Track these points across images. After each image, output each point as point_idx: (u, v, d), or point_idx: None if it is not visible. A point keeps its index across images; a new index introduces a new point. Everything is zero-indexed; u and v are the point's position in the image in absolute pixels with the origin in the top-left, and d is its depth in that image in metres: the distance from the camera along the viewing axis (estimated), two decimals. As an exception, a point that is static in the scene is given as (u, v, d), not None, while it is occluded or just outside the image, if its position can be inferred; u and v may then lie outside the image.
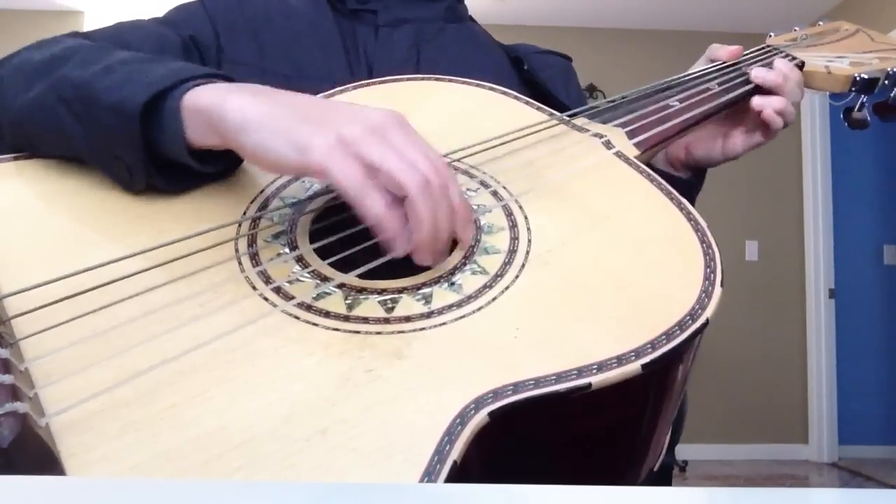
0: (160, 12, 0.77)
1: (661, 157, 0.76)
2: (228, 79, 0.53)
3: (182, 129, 0.50)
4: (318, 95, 0.61)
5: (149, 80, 0.51)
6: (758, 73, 0.73)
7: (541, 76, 0.79)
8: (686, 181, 0.76)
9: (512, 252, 0.50)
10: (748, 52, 0.79)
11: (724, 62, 0.76)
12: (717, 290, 0.46)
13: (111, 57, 0.56)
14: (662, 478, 0.56)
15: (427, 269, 0.49)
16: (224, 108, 0.48)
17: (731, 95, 0.72)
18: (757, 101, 0.73)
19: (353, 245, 0.50)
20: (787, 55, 0.78)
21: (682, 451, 4.03)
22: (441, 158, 0.48)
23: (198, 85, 0.51)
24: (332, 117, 0.47)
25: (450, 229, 0.47)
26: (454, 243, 0.50)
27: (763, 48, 0.80)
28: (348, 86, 0.65)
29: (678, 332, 0.43)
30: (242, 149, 0.49)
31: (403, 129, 0.47)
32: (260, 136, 0.47)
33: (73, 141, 0.54)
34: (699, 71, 0.75)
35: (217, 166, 0.54)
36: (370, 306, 0.46)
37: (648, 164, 0.74)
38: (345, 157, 0.45)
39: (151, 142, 0.51)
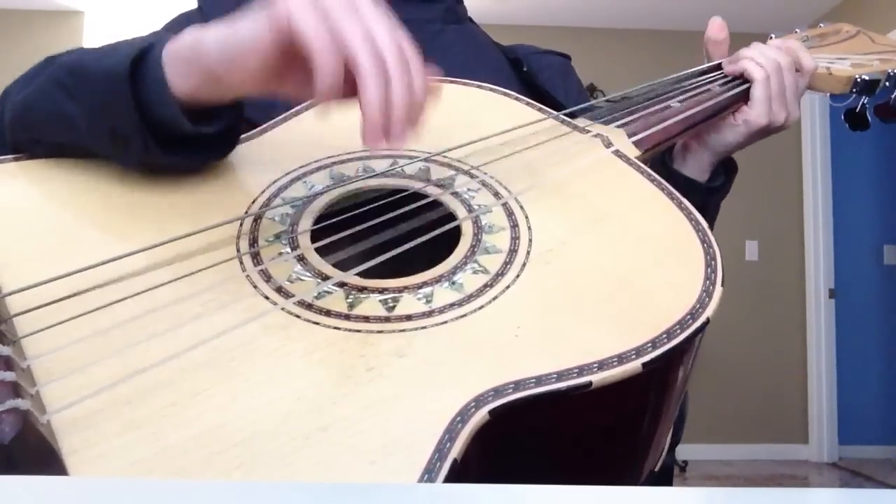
0: (159, 12, 0.77)
1: (680, 154, 0.76)
2: None
3: (165, 79, 0.51)
4: None
5: (135, 44, 0.52)
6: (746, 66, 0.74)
7: (540, 77, 0.79)
8: (707, 187, 0.76)
9: (513, 251, 0.50)
10: None
11: (707, 66, 0.77)
12: (718, 289, 0.46)
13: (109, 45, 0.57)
14: (663, 478, 0.56)
15: (428, 268, 0.49)
16: (200, 39, 0.50)
17: (731, 94, 0.72)
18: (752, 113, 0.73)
19: (354, 244, 0.50)
20: None
21: (682, 451, 4.04)
22: (405, 38, 0.47)
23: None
24: None
25: (403, 112, 0.46)
26: (454, 244, 0.51)
27: None
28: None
29: (679, 330, 0.43)
30: (220, 64, 0.49)
31: (375, 4, 0.47)
32: (232, 36, 0.48)
33: (72, 121, 0.54)
34: (700, 70, 0.75)
35: (210, 126, 0.53)
36: (371, 305, 0.46)
37: (666, 166, 0.74)
38: (311, 9, 0.45)
39: (142, 102, 0.51)
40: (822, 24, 0.90)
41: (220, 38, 0.49)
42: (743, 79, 0.74)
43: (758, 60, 0.73)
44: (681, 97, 0.70)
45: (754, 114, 0.72)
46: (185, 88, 0.51)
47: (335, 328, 0.44)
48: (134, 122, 0.51)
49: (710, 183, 0.76)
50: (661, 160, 0.75)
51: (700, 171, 0.76)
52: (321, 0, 0.46)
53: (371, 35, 0.46)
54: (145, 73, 0.51)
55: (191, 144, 0.53)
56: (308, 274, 0.48)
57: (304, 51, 0.45)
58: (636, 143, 0.63)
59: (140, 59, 0.51)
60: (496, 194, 0.55)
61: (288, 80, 0.49)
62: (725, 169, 0.78)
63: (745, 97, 0.73)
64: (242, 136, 0.59)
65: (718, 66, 0.76)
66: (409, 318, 0.45)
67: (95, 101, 0.52)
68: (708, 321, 0.44)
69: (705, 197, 0.75)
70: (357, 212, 0.54)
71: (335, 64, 0.45)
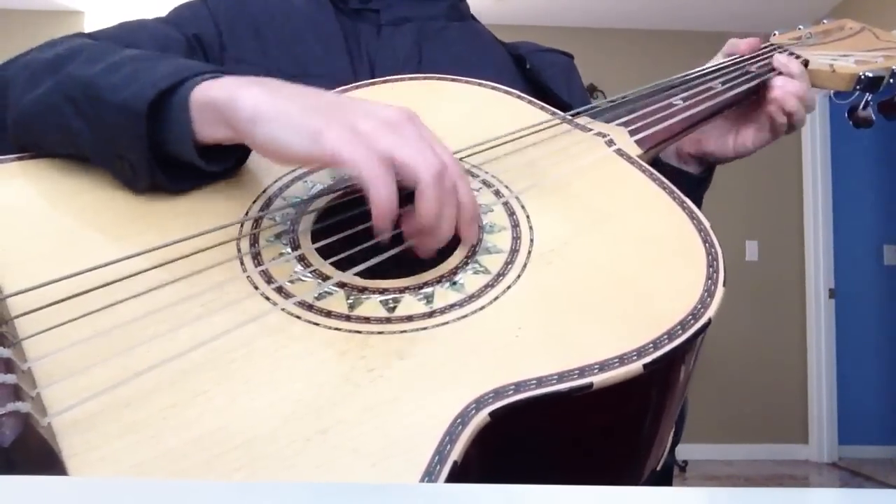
0: (160, 12, 0.77)
1: (672, 150, 0.77)
2: (233, 74, 0.53)
3: (190, 124, 0.50)
4: None
5: (154, 78, 0.51)
6: (780, 59, 0.74)
7: (543, 75, 0.79)
8: (696, 177, 0.76)
9: (514, 251, 0.50)
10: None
11: (741, 56, 0.77)
12: (720, 290, 0.46)
13: (116, 55, 0.56)
14: (663, 478, 0.56)
15: (429, 268, 0.49)
16: (236, 99, 0.48)
17: (733, 93, 0.72)
18: (779, 82, 0.73)
19: (355, 244, 0.50)
20: (791, 54, 0.78)
21: (682, 451, 4.03)
22: (452, 155, 0.48)
23: (205, 80, 0.51)
24: (345, 110, 0.48)
25: (454, 223, 0.47)
26: (455, 243, 0.50)
27: (768, 47, 0.80)
28: (350, 86, 0.65)
29: (680, 331, 0.43)
30: (254, 140, 0.49)
31: (416, 124, 0.48)
32: (272, 126, 0.47)
33: (77, 139, 0.54)
34: (702, 70, 0.75)
35: (222, 165, 0.54)
36: (372, 306, 0.46)
37: (656, 158, 0.74)
38: (358, 145, 0.45)
39: (157, 140, 0.51)
40: (825, 21, 0.90)
41: (258, 117, 0.48)
42: (747, 76, 0.74)
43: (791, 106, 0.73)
44: (683, 95, 0.70)
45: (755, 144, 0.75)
46: (207, 135, 0.51)
47: (336, 329, 0.44)
48: (143, 155, 0.51)
49: (699, 173, 0.77)
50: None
51: (691, 170, 0.77)
52: (366, 133, 0.46)
53: (423, 153, 0.46)
54: (168, 113, 0.51)
55: (197, 174, 0.53)
56: (309, 274, 0.48)
57: (358, 180, 0.46)
58: (638, 142, 0.63)
59: (163, 95, 0.50)
60: (497, 193, 0.55)
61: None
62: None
63: (746, 95, 0.73)
64: None
65: (720, 65, 0.76)
66: (409, 318, 0.45)
67: (106, 129, 0.52)
68: (710, 322, 0.44)
69: (693, 188, 0.75)
70: (358, 211, 0.54)
71: (389, 196, 0.45)
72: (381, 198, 0.45)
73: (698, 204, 0.77)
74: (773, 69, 0.75)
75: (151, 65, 0.54)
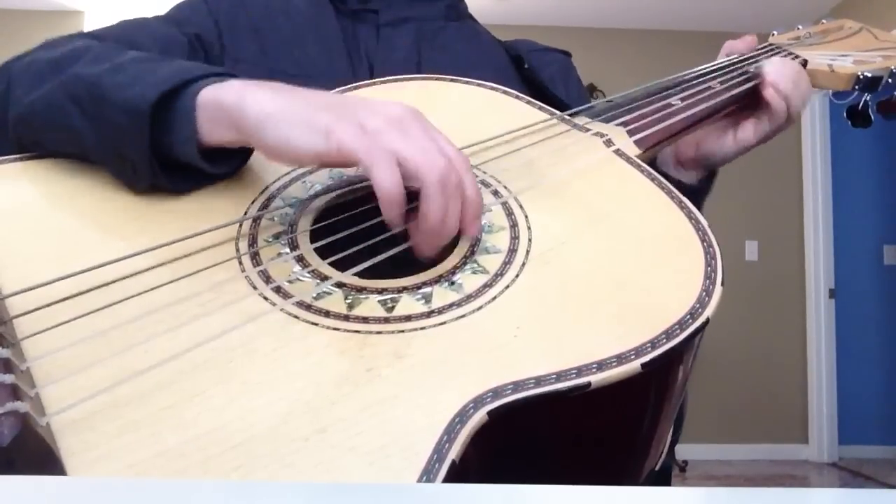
0: (160, 12, 0.77)
1: (671, 158, 0.76)
2: (236, 77, 0.54)
3: (195, 127, 0.50)
4: None
5: (157, 78, 0.51)
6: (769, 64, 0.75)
7: (541, 74, 0.79)
8: (694, 187, 0.76)
9: (512, 251, 0.50)
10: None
11: (739, 55, 0.76)
12: (718, 289, 0.46)
13: (120, 56, 0.56)
14: (661, 478, 0.56)
15: (427, 268, 0.49)
16: (243, 103, 0.49)
17: (732, 93, 0.72)
18: (770, 66, 0.73)
19: (353, 245, 0.50)
20: (790, 53, 0.78)
21: (682, 451, 4.04)
22: (459, 151, 0.48)
23: (208, 83, 0.51)
24: (352, 108, 0.48)
25: (458, 221, 0.48)
26: (454, 243, 0.50)
27: (766, 47, 0.80)
28: (349, 86, 0.65)
29: (678, 330, 0.43)
30: (263, 142, 0.49)
31: (422, 122, 0.48)
32: (281, 128, 0.48)
33: (80, 138, 0.54)
34: (700, 70, 0.75)
35: (225, 167, 0.54)
36: (370, 306, 0.46)
37: (655, 168, 0.74)
38: (366, 139, 0.46)
39: (159, 141, 0.51)
40: (824, 21, 0.90)
41: (266, 122, 0.48)
42: (745, 76, 0.74)
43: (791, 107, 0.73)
44: (681, 95, 0.70)
45: (753, 138, 0.74)
46: (212, 138, 0.51)
47: (334, 329, 0.44)
48: (145, 156, 0.51)
49: (697, 184, 0.77)
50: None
51: (689, 179, 0.76)
52: (374, 130, 0.46)
53: (430, 152, 0.46)
54: (173, 114, 0.51)
55: (199, 176, 0.54)
56: (307, 274, 0.48)
57: (366, 172, 0.46)
58: (637, 142, 0.63)
59: (167, 95, 0.51)
60: (496, 193, 0.55)
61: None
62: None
63: (746, 96, 0.73)
64: None
65: (719, 65, 0.76)
66: (408, 318, 0.45)
67: (109, 130, 0.52)
68: (708, 321, 0.44)
69: (692, 198, 0.75)
70: (356, 212, 0.54)
71: (397, 184, 0.45)
72: (388, 184, 0.45)
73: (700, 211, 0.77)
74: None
75: (156, 66, 0.54)
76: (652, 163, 0.62)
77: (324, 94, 0.51)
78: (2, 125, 0.59)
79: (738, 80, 0.74)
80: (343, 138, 0.46)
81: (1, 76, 0.61)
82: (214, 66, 0.56)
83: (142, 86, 0.51)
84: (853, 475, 4.07)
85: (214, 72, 0.53)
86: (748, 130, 0.74)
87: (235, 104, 0.49)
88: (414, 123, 0.48)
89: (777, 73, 0.72)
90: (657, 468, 0.51)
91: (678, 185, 0.75)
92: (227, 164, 0.54)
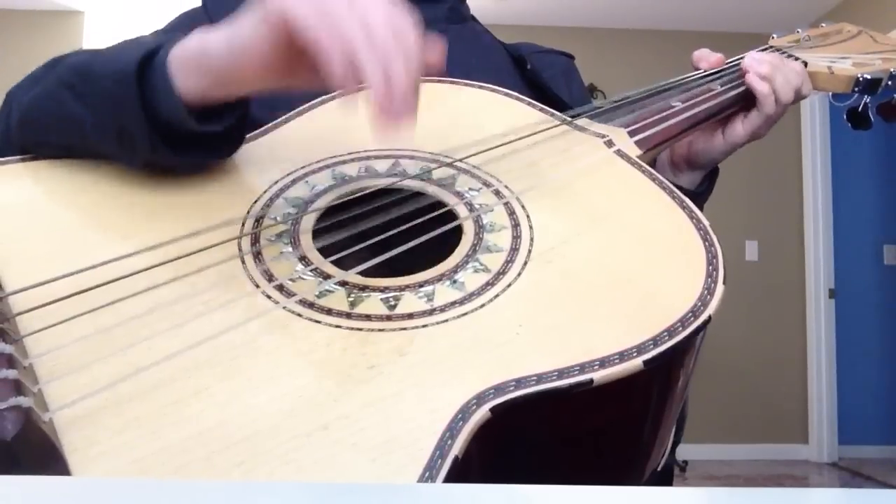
0: (160, 12, 0.77)
1: (666, 162, 0.76)
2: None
3: (170, 77, 0.51)
4: (321, 98, 0.62)
5: (140, 46, 0.53)
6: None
7: (543, 76, 0.79)
8: (693, 192, 0.76)
9: (514, 250, 0.50)
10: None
11: (739, 57, 0.77)
12: (720, 288, 0.46)
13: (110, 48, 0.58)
14: (663, 478, 0.56)
15: (428, 268, 0.49)
16: (206, 43, 0.51)
17: (733, 94, 0.72)
18: (747, 62, 0.74)
19: (355, 243, 0.50)
20: (789, 56, 0.78)
21: (682, 451, 4.04)
22: (401, 15, 0.49)
23: (179, 41, 0.53)
24: None
25: (405, 86, 0.46)
26: (455, 243, 0.51)
27: (765, 49, 0.81)
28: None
29: (680, 328, 0.43)
30: (226, 64, 0.50)
31: None
32: (235, 37, 0.49)
33: (77, 122, 0.54)
34: (701, 72, 0.76)
35: (215, 125, 0.53)
36: (373, 304, 0.46)
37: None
38: (304, 2, 0.46)
39: (151, 106, 0.52)
40: (823, 24, 0.90)
41: (224, 39, 0.50)
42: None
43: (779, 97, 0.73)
44: (682, 97, 0.70)
45: (747, 134, 0.74)
46: (193, 89, 0.51)
47: (337, 326, 0.44)
48: (141, 122, 0.52)
49: (696, 188, 0.77)
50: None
51: (688, 184, 0.77)
52: None
53: (366, 18, 0.46)
54: (152, 75, 0.52)
55: (197, 143, 0.54)
56: (310, 273, 0.48)
57: (306, 42, 0.46)
58: (638, 143, 0.63)
59: (147, 60, 0.52)
60: (498, 193, 0.55)
61: (299, 72, 0.50)
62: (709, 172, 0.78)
63: (746, 97, 0.73)
64: (246, 135, 0.59)
65: (721, 66, 0.76)
66: (410, 316, 0.45)
67: (102, 102, 0.53)
68: (710, 319, 0.44)
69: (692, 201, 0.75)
70: (358, 211, 0.55)
71: (340, 51, 0.45)
72: (333, 60, 0.45)
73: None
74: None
75: (140, 41, 0.56)
76: (651, 165, 0.63)
77: None
78: (8, 143, 0.60)
79: (738, 81, 0.74)
80: (285, 4, 0.46)
81: (5, 102, 0.63)
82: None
83: (126, 55, 0.53)
84: (853, 475, 4.07)
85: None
86: (737, 125, 0.74)
87: (198, 46, 0.51)
88: None
89: (753, 59, 0.74)
90: (659, 468, 0.51)
91: (678, 189, 0.75)
92: (218, 121, 0.54)
